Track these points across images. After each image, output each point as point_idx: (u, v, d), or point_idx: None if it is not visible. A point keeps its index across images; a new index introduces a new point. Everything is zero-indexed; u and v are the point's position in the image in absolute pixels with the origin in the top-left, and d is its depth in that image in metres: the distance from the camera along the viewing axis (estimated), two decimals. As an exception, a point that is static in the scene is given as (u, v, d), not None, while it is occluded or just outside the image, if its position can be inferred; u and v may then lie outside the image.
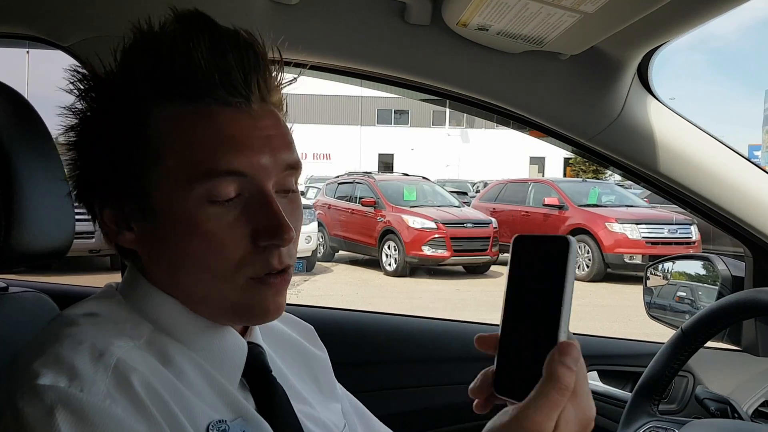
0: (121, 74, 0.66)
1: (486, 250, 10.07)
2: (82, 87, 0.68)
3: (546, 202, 10.87)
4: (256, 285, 0.67)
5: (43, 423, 0.54)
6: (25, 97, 0.90)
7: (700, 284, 1.53)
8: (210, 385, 0.67)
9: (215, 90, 0.64)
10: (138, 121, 0.65)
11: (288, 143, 0.69)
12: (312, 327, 0.92)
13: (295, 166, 0.69)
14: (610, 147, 1.30)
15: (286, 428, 0.72)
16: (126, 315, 0.67)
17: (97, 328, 0.64)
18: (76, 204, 0.75)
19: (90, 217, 0.72)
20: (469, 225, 10.26)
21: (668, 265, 1.64)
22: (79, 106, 0.68)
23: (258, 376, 0.73)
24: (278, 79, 0.71)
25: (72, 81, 0.68)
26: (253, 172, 0.65)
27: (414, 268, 10.06)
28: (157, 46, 0.64)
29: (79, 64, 0.69)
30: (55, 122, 0.73)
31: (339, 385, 0.91)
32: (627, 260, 9.56)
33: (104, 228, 0.69)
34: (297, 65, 1.23)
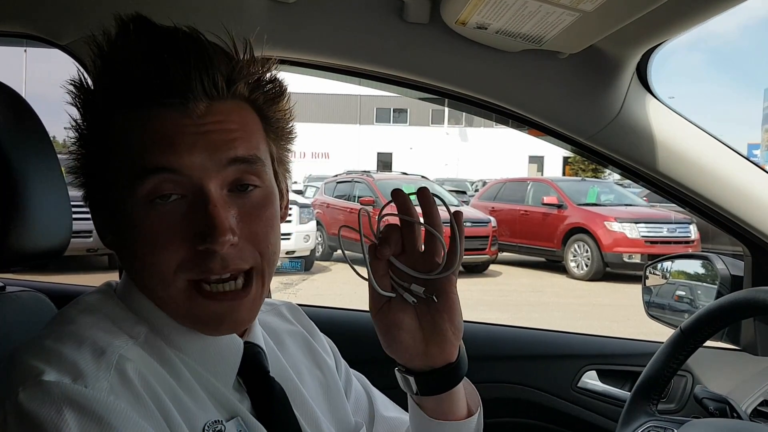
0: (94, 84, 0.69)
1: (485, 249, 10.06)
2: (76, 99, 0.70)
3: (545, 201, 10.87)
4: (198, 293, 0.65)
5: (51, 418, 0.55)
6: (23, 95, 0.90)
7: (699, 283, 1.53)
8: (204, 387, 0.67)
9: (153, 93, 0.64)
10: (98, 129, 0.68)
11: (234, 137, 0.66)
12: (297, 306, 0.93)
13: (245, 160, 0.66)
14: (609, 146, 1.30)
15: (283, 429, 0.72)
16: (123, 314, 0.68)
17: (97, 326, 0.64)
18: (73, 203, 0.75)
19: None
20: (467, 224, 10.25)
21: (667, 264, 1.63)
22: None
23: (255, 376, 0.73)
24: (249, 73, 0.69)
25: (72, 94, 0.70)
26: (186, 170, 0.64)
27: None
28: (107, 56, 0.66)
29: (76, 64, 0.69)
30: (52, 120, 0.73)
31: (346, 368, 0.92)
32: (626, 259, 9.57)
33: (96, 227, 0.72)
34: (284, 62, 1.23)
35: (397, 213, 0.75)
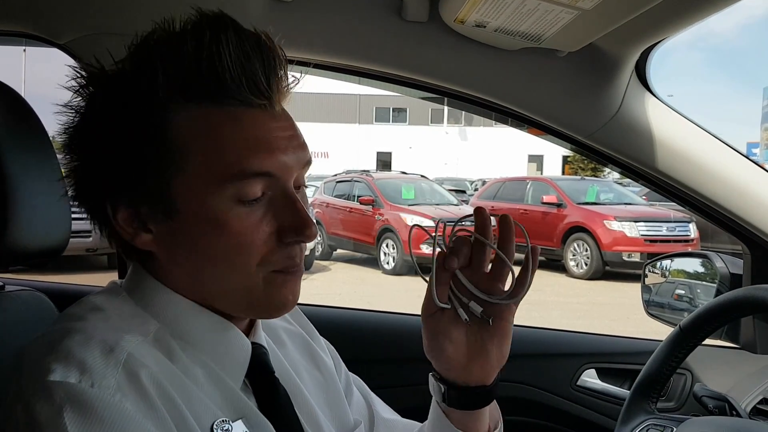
0: (140, 72, 0.64)
1: (484, 248, 10.06)
2: (85, 84, 0.67)
3: (544, 200, 10.87)
4: (278, 277, 0.68)
5: (52, 420, 0.55)
6: (22, 95, 0.90)
7: (699, 282, 1.53)
8: (215, 383, 0.67)
9: (241, 92, 0.64)
10: (160, 120, 0.64)
11: (304, 142, 0.70)
12: (296, 308, 0.91)
13: (310, 163, 0.71)
14: (608, 144, 1.30)
15: (287, 430, 0.72)
16: (133, 311, 0.68)
17: (106, 323, 0.64)
18: (73, 203, 0.74)
19: (88, 218, 0.71)
20: (466, 223, 10.24)
21: (666, 262, 1.64)
22: (82, 103, 0.67)
23: (260, 376, 0.73)
24: (289, 81, 0.71)
25: (76, 77, 0.67)
26: (279, 173, 0.66)
27: (412, 267, 10.07)
28: (182, 46, 0.63)
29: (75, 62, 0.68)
30: (52, 120, 0.73)
31: (345, 371, 0.92)
32: (625, 258, 9.57)
33: (118, 230, 0.68)
34: (300, 63, 1.23)
35: (472, 231, 0.77)
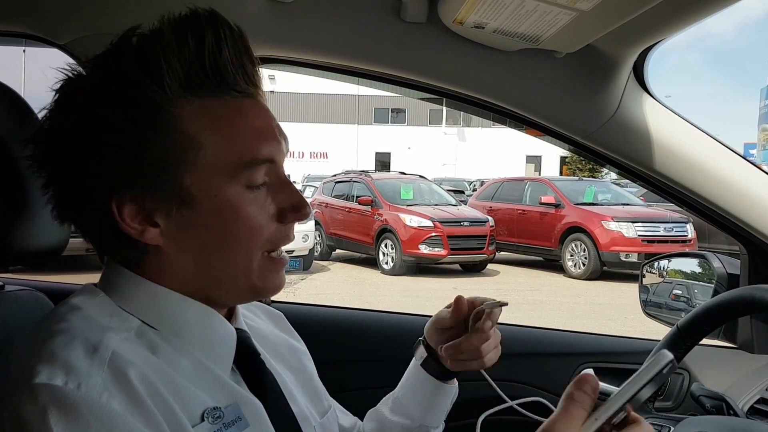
0: (147, 69, 0.64)
1: (483, 248, 10.07)
2: (91, 83, 0.66)
3: (542, 201, 10.88)
4: (271, 261, 0.72)
5: (38, 423, 0.55)
6: (22, 95, 0.90)
7: (696, 282, 1.53)
8: (202, 373, 0.68)
9: (239, 83, 0.69)
10: (167, 115, 0.65)
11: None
12: (281, 313, 0.96)
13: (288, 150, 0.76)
14: (606, 145, 1.30)
15: (277, 409, 0.74)
16: (111, 308, 0.68)
17: (87, 322, 0.64)
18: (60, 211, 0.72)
19: (77, 229, 0.72)
20: (465, 223, 10.26)
21: (664, 263, 1.64)
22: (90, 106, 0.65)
23: (247, 360, 0.75)
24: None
25: (73, 76, 0.67)
26: (278, 158, 0.72)
27: (411, 267, 10.07)
28: (185, 42, 0.65)
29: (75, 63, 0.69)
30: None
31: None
32: (623, 258, 9.58)
33: (125, 229, 0.66)
34: (297, 64, 1.23)
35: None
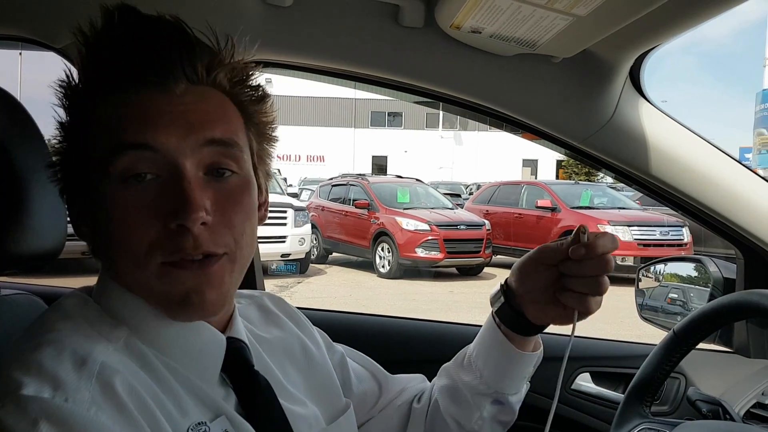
0: (74, 79, 0.69)
1: (479, 252, 10.08)
2: (62, 93, 0.70)
3: (539, 204, 10.90)
4: (171, 271, 0.64)
5: None
6: (18, 98, 0.90)
7: (692, 286, 1.53)
8: (186, 387, 0.66)
9: (134, 74, 0.64)
10: (79, 118, 0.68)
11: (212, 119, 0.66)
12: (281, 297, 0.93)
13: (222, 143, 0.66)
14: (603, 149, 1.31)
15: (270, 423, 0.71)
16: (100, 318, 0.66)
17: (77, 332, 0.63)
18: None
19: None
20: (462, 227, 10.27)
21: (660, 267, 1.64)
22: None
23: (239, 371, 0.72)
24: (228, 63, 0.70)
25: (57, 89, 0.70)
26: (163, 148, 0.63)
27: (407, 270, 10.06)
28: (93, 45, 0.66)
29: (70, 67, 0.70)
30: (48, 123, 0.73)
31: (337, 351, 0.93)
32: (619, 262, 9.58)
33: (72, 224, 0.73)
34: (291, 67, 1.23)
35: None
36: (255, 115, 0.74)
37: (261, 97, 0.74)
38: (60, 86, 0.69)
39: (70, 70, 0.69)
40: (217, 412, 0.67)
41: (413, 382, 0.97)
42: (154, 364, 0.65)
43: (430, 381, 0.99)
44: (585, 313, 0.81)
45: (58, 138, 0.70)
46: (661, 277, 1.62)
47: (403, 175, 13.23)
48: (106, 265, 0.70)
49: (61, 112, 0.70)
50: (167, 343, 0.67)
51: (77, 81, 0.69)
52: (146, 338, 0.66)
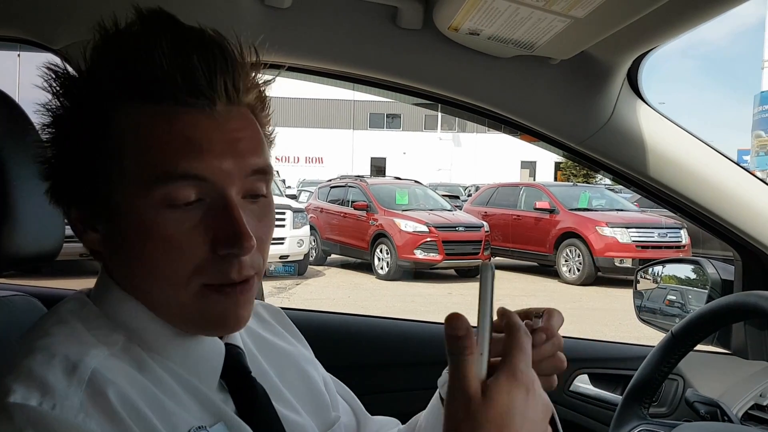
0: (88, 73, 0.65)
1: (478, 253, 10.08)
2: (56, 85, 0.66)
3: (537, 206, 10.91)
4: (211, 293, 0.64)
5: None
6: (16, 99, 0.90)
7: (690, 288, 1.54)
8: (187, 391, 0.66)
9: (177, 91, 0.62)
10: (101, 120, 0.64)
11: (256, 147, 0.67)
12: (279, 308, 0.92)
13: (264, 171, 0.67)
14: (600, 151, 1.31)
15: (267, 429, 0.71)
16: (99, 321, 0.66)
17: (71, 337, 0.62)
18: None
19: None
20: (460, 229, 10.27)
21: (658, 268, 1.64)
22: (54, 105, 0.67)
23: (237, 377, 0.72)
24: (254, 79, 0.69)
25: (47, 80, 0.67)
26: (214, 177, 0.63)
27: (406, 272, 10.06)
28: (120, 46, 0.63)
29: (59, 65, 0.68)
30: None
31: (326, 376, 0.90)
32: (617, 264, 9.60)
33: (72, 226, 0.69)
34: (291, 69, 1.23)
35: None
36: (265, 124, 0.73)
37: (265, 103, 0.73)
38: (63, 83, 0.66)
39: (67, 71, 0.67)
40: (217, 417, 0.67)
41: (387, 426, 0.94)
42: (153, 366, 0.65)
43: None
44: (549, 389, 0.75)
45: (54, 134, 0.67)
46: (659, 279, 1.62)
47: (401, 177, 13.23)
48: (120, 273, 0.68)
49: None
50: (168, 349, 0.67)
51: (94, 83, 0.64)
52: (146, 343, 0.66)
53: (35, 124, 0.71)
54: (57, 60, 0.68)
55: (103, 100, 0.63)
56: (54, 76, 0.66)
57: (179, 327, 0.67)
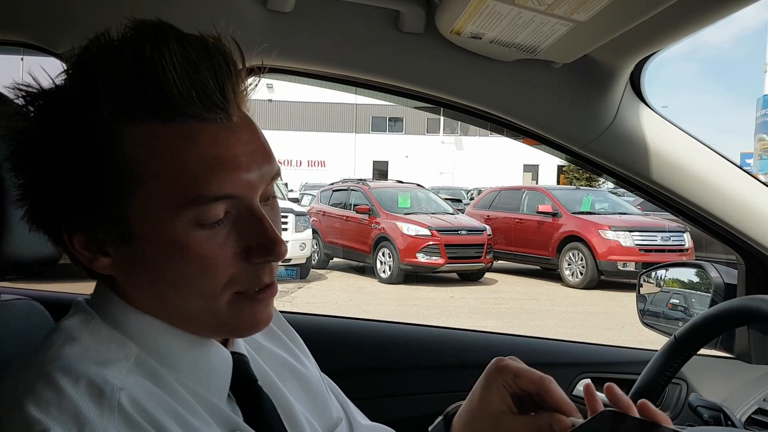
0: (81, 90, 0.60)
1: (480, 257, 10.07)
2: (29, 105, 0.62)
3: (540, 210, 10.89)
4: (244, 300, 0.65)
5: None
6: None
7: (693, 291, 1.53)
8: (200, 403, 0.65)
9: (192, 106, 0.59)
10: (108, 141, 0.59)
11: (269, 154, 0.66)
12: (277, 313, 0.90)
13: (278, 174, 0.67)
14: (603, 155, 1.31)
15: None
16: (109, 335, 0.64)
17: (86, 356, 0.60)
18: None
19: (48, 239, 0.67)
20: (463, 232, 10.27)
21: (661, 272, 1.64)
22: (21, 125, 0.62)
23: (243, 387, 0.72)
24: (251, 83, 0.67)
25: (19, 97, 0.62)
26: (243, 192, 0.62)
27: (408, 276, 10.06)
28: (121, 60, 0.58)
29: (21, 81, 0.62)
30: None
31: (322, 377, 0.90)
32: (620, 267, 9.59)
33: (75, 255, 0.64)
34: (291, 73, 1.23)
35: None
36: None
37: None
38: (46, 102, 0.61)
39: (73, 90, 0.62)
40: (231, 428, 0.66)
41: None
42: (167, 380, 0.64)
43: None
44: None
45: (54, 148, 0.60)
46: (662, 283, 1.62)
47: (404, 180, 13.23)
48: (137, 292, 0.65)
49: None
50: (179, 361, 0.66)
51: (92, 101, 0.59)
52: (156, 355, 0.65)
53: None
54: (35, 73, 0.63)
55: (107, 120, 0.59)
56: (26, 94, 0.62)
57: (202, 333, 0.67)
